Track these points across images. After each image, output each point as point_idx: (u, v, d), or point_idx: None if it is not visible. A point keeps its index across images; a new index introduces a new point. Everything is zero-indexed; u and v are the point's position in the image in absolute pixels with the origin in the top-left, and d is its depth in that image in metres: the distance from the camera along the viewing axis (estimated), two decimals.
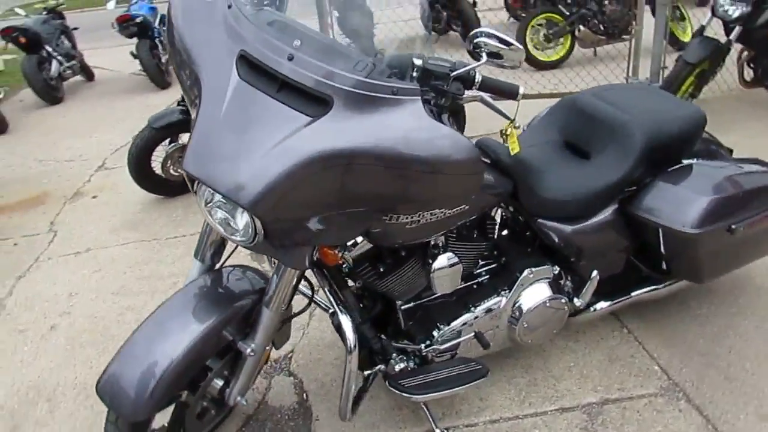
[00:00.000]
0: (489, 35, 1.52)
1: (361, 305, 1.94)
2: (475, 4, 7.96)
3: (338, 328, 1.97)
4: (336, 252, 1.61)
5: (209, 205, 1.47)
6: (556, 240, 1.98)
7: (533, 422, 2.00)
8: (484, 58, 1.54)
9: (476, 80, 1.56)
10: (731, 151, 2.31)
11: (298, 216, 1.41)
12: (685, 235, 1.90)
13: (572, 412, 2.03)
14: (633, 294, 2.22)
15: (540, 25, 6.50)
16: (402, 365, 1.96)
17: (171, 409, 1.83)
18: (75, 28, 7.63)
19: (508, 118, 1.64)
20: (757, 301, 2.44)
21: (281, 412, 2.17)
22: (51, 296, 3.07)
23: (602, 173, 1.96)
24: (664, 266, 2.18)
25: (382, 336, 1.97)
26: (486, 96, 1.61)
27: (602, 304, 2.20)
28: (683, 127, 1.98)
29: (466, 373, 1.92)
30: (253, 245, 1.52)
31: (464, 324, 1.96)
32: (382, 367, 1.96)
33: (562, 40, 6.50)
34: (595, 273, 2.06)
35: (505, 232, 2.18)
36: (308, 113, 1.34)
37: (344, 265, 1.84)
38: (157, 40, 6.79)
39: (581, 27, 6.33)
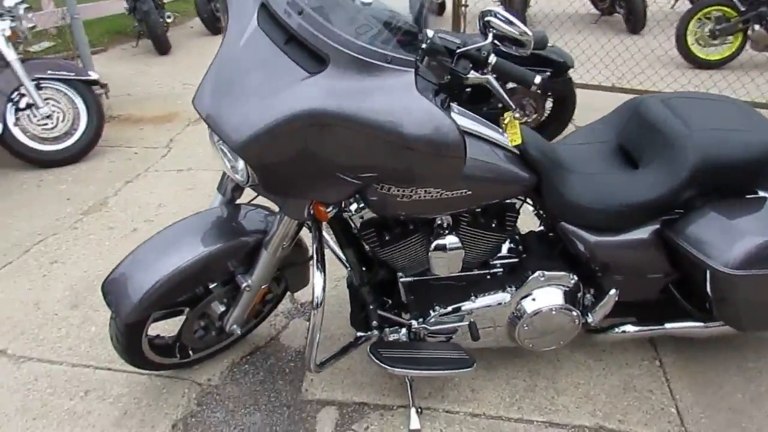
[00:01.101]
0: (499, 16, 1.44)
1: (366, 269, 1.97)
2: None
3: (349, 285, 2.03)
4: (327, 210, 1.64)
5: (219, 142, 1.57)
6: (579, 248, 1.85)
7: (514, 427, 1.93)
8: (490, 38, 1.46)
9: (489, 62, 1.48)
10: None
11: (285, 167, 1.46)
12: (723, 275, 1.68)
13: (559, 429, 1.92)
14: (667, 326, 2.02)
15: (708, 18, 5.86)
16: (395, 336, 1.98)
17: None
18: None
19: (510, 106, 1.55)
20: None
21: (286, 351, 2.28)
22: (144, 203, 3.43)
23: (642, 187, 1.78)
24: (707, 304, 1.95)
25: (385, 303, 2.00)
26: (493, 79, 1.52)
27: (629, 328, 2.04)
28: (755, 153, 1.73)
29: (451, 359, 1.89)
30: (253, 187, 1.61)
31: (462, 311, 1.92)
32: (376, 333, 1.99)
33: (730, 38, 5.81)
34: (612, 291, 1.90)
35: (535, 229, 2.08)
36: (307, 69, 1.38)
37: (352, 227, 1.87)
38: None
39: (756, 26, 5.60)
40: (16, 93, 3.89)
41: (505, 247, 2.01)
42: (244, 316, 1.98)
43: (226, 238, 1.82)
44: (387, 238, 1.82)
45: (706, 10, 5.82)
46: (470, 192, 1.64)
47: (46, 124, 3.99)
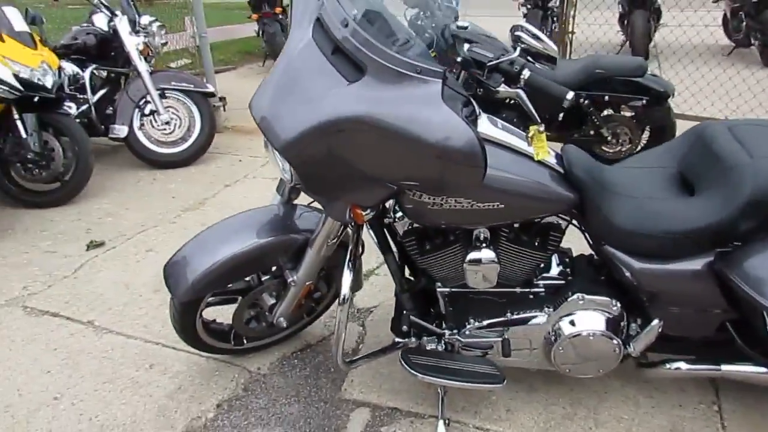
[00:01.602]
0: (527, 31, 1.45)
1: (409, 277, 2.03)
2: None
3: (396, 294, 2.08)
4: (364, 213, 1.72)
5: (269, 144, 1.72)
6: (623, 274, 1.79)
7: None
8: (517, 52, 1.47)
9: (522, 76, 1.50)
10: None
11: (321, 168, 1.57)
12: None
13: None
14: (723, 368, 1.88)
15: None
16: (432, 346, 2.01)
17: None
18: None
19: (536, 120, 1.55)
20: None
21: None
22: (236, 205, 3.70)
23: (694, 215, 1.69)
24: None
25: (427, 313, 2.04)
26: (523, 94, 1.53)
27: (682, 365, 1.91)
28: None
29: (481, 373, 1.89)
30: (299, 187, 1.74)
31: (497, 327, 1.91)
32: (414, 340, 2.03)
33: None
34: (655, 322, 1.80)
35: (585, 253, 2.02)
36: (348, 78, 1.48)
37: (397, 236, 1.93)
38: None
39: None
40: (143, 100, 4.36)
41: (551, 268, 1.98)
42: (290, 310, 2.09)
43: (278, 234, 1.96)
44: (427, 247, 1.87)
45: None
46: (503, 205, 1.65)
47: (164, 129, 4.44)
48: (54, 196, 3.83)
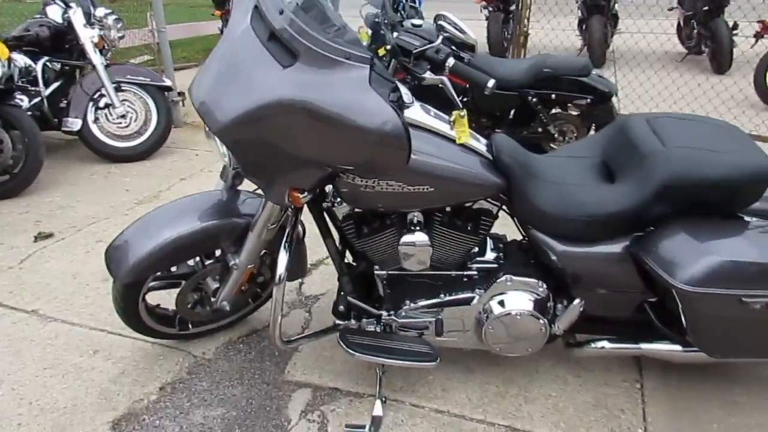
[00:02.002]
0: (449, 21, 1.54)
1: (349, 262, 2.10)
2: (735, 26, 7.05)
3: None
4: (301, 196, 1.78)
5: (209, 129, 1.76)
6: (548, 256, 1.89)
7: (473, 427, 1.97)
8: (440, 40, 1.56)
9: (447, 64, 1.59)
10: None
11: (257, 151, 1.62)
12: (683, 292, 1.67)
13: None
14: (643, 346, 1.99)
15: None
16: (370, 328, 2.08)
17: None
18: None
19: (458, 106, 1.63)
20: None
21: None
22: None
23: (611, 200, 1.80)
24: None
25: (368, 296, 2.11)
26: (447, 81, 1.62)
27: (606, 344, 2.02)
28: (728, 174, 1.70)
29: (415, 352, 1.96)
30: (238, 170, 1.79)
31: (431, 307, 1.99)
32: (353, 322, 2.09)
33: None
34: (577, 301, 1.91)
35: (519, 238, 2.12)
36: (283, 63, 1.54)
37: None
38: None
39: None
40: (98, 93, 4.33)
41: (485, 253, 2.07)
42: (233, 293, 2.14)
43: (220, 217, 2.01)
44: (365, 231, 1.93)
45: None
46: (432, 189, 1.73)
47: (120, 123, 4.42)
48: (2, 188, 3.79)
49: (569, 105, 3.88)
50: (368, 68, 1.49)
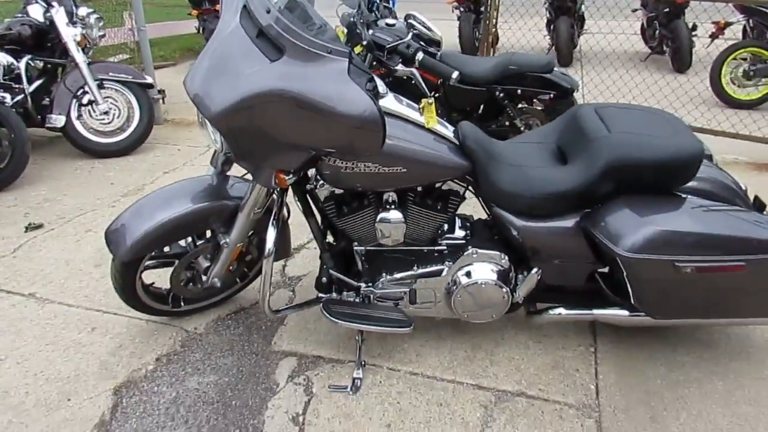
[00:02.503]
0: (418, 20, 1.75)
1: (333, 240, 2.30)
2: (694, 28, 7.40)
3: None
4: (287, 177, 1.98)
5: (202, 118, 1.95)
6: (508, 231, 2.11)
7: (444, 386, 2.18)
8: (409, 36, 1.77)
9: (417, 59, 1.80)
10: None
11: (247, 137, 1.81)
12: (623, 258, 1.91)
13: (484, 391, 2.16)
14: (595, 311, 2.23)
15: (743, 59, 5.95)
16: (351, 299, 2.28)
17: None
18: None
19: (426, 95, 1.85)
20: (745, 376, 2.24)
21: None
22: None
23: (563, 180, 2.03)
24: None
25: (348, 270, 2.31)
26: (417, 73, 1.83)
27: (561, 311, 2.25)
28: (663, 155, 1.94)
29: (390, 319, 2.17)
30: (230, 156, 1.98)
31: (405, 279, 2.20)
32: (334, 294, 2.29)
33: (765, 79, 5.87)
34: (534, 270, 2.14)
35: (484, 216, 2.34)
36: (270, 57, 1.73)
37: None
38: None
39: None
40: (81, 90, 4.46)
41: (454, 230, 2.28)
42: (223, 270, 2.32)
43: (211, 200, 2.20)
44: (345, 210, 2.14)
45: (740, 51, 5.91)
46: (405, 170, 1.95)
47: (103, 120, 4.54)
48: None
49: (534, 100, 4.12)
50: (347, 61, 1.69)
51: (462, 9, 8.34)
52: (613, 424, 2.02)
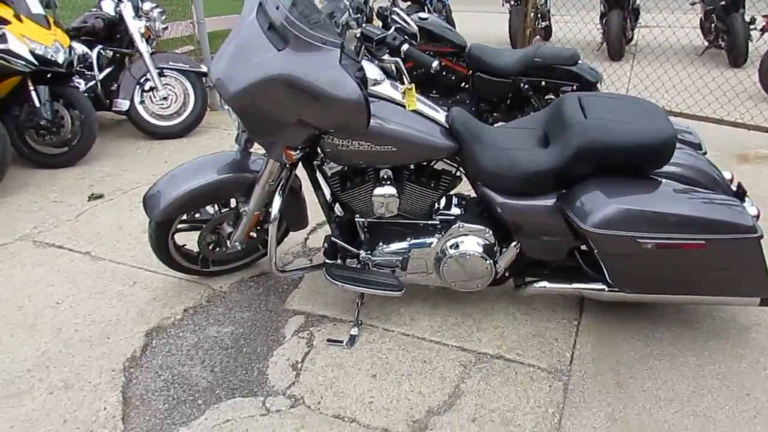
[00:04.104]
0: (398, 15, 1.99)
1: (337, 213, 2.58)
2: (752, 21, 7.24)
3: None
4: (293, 153, 2.26)
5: (222, 100, 2.26)
6: (492, 207, 2.32)
7: (430, 346, 2.42)
8: (391, 29, 2.01)
9: (402, 50, 2.04)
10: None
11: (258, 115, 2.11)
12: (589, 234, 2.09)
13: (465, 353, 2.38)
14: (574, 285, 2.41)
15: None
16: (352, 265, 2.55)
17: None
18: None
19: (409, 81, 2.08)
20: (719, 353, 2.36)
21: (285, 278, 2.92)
22: None
23: (540, 161, 2.22)
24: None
25: (353, 240, 2.58)
26: (401, 62, 2.07)
27: (545, 284, 2.44)
28: (634, 140, 2.09)
29: (383, 283, 2.43)
30: (246, 132, 2.29)
31: (400, 249, 2.45)
32: (339, 261, 2.57)
33: None
34: (513, 244, 2.34)
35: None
36: (277, 47, 2.03)
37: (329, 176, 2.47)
38: None
39: None
40: (143, 78, 4.92)
41: (449, 207, 2.50)
42: (244, 235, 2.64)
43: (233, 172, 2.52)
44: (348, 185, 2.41)
45: None
46: (395, 149, 2.19)
47: (162, 104, 5.00)
48: (62, 158, 4.41)
49: (559, 91, 4.25)
50: (339, 51, 1.96)
51: (513, 2, 8.44)
52: (579, 386, 2.21)
